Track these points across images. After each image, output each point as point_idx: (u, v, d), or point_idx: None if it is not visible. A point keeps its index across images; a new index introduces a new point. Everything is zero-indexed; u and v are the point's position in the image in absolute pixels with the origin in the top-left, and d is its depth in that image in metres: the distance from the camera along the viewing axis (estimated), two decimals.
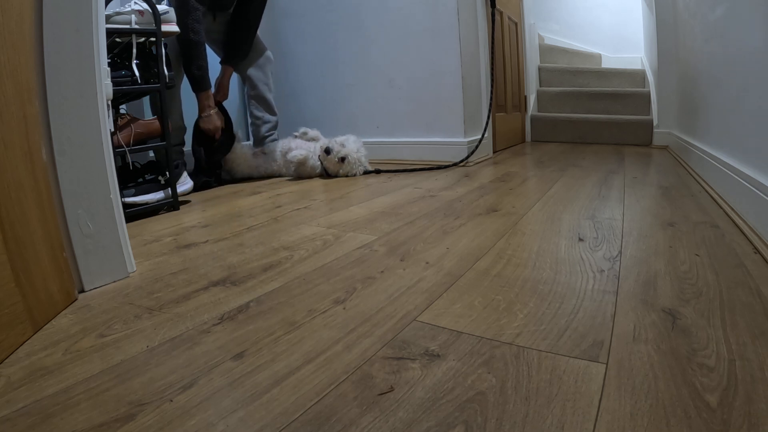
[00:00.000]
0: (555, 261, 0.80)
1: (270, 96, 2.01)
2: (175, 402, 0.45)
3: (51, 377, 0.50)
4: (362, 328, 0.58)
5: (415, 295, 0.68)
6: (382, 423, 0.41)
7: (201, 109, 1.73)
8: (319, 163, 1.84)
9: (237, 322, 0.61)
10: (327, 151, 1.78)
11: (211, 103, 1.73)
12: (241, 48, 1.89)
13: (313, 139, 1.90)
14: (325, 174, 1.86)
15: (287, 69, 2.50)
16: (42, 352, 0.56)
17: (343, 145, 1.80)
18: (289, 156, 1.79)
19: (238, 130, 1.95)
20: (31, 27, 0.66)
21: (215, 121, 1.74)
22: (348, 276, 0.77)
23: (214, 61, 2.09)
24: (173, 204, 1.34)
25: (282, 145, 1.88)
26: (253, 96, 2.00)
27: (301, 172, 1.84)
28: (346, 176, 1.84)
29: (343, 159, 1.80)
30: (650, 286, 0.67)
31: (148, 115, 1.83)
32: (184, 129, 1.77)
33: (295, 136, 1.93)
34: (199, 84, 1.67)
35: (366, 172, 1.87)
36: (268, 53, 2.00)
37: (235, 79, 2.43)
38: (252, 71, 1.96)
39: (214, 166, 1.81)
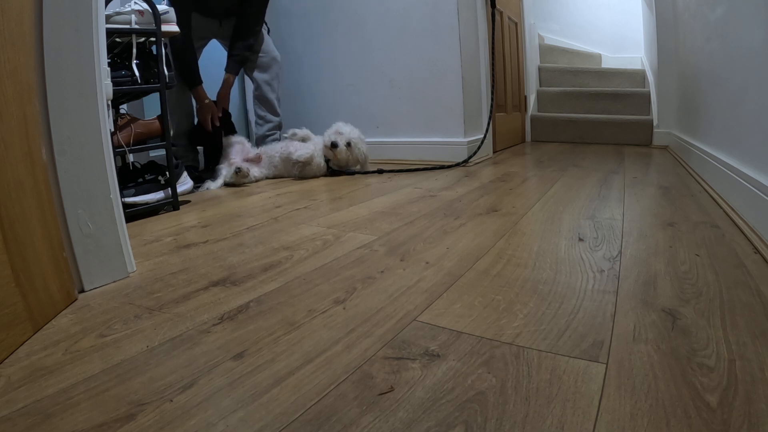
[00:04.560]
0: (555, 261, 0.80)
1: (273, 97, 2.02)
2: (175, 402, 0.45)
3: (51, 377, 0.50)
4: (362, 328, 0.58)
5: (415, 295, 0.68)
6: (382, 423, 0.41)
7: (196, 102, 1.83)
8: (324, 162, 1.84)
9: (237, 322, 0.61)
10: (333, 144, 1.79)
11: (203, 96, 1.81)
12: (240, 56, 1.92)
13: (304, 139, 1.89)
14: (329, 172, 1.86)
15: (287, 69, 2.49)
16: (42, 352, 0.56)
17: (340, 133, 1.82)
18: (295, 156, 1.79)
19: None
20: (31, 27, 0.66)
21: (205, 112, 1.83)
22: (348, 276, 0.77)
23: (214, 55, 2.10)
24: (173, 204, 1.34)
25: (280, 147, 1.88)
26: (257, 96, 2.02)
27: (306, 173, 1.83)
28: (357, 163, 1.86)
29: (349, 144, 1.81)
30: (650, 286, 0.67)
31: (149, 115, 1.84)
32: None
33: (285, 138, 1.93)
34: (190, 81, 1.78)
35: (366, 172, 1.88)
36: (276, 54, 2.01)
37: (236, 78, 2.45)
38: (257, 72, 1.98)
39: (210, 162, 1.90)
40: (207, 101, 1.82)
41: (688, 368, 0.47)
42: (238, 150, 1.84)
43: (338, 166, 1.85)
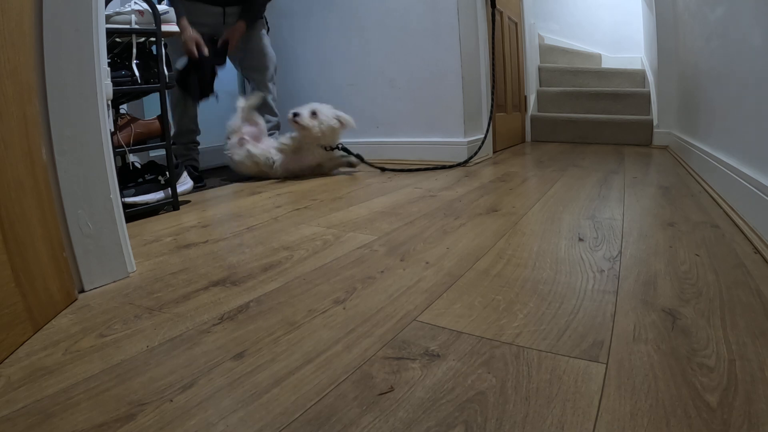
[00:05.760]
0: (555, 261, 0.80)
1: (270, 98, 2.02)
2: (175, 402, 0.45)
3: (51, 377, 0.50)
4: (362, 328, 0.58)
5: (415, 295, 0.68)
6: (382, 423, 0.41)
7: (182, 35, 1.70)
8: (272, 159, 1.79)
9: (237, 322, 0.61)
10: (295, 114, 1.72)
11: (185, 26, 1.69)
12: (254, 5, 1.89)
13: (255, 124, 1.83)
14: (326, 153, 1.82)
15: (287, 69, 2.50)
16: (42, 352, 0.56)
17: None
18: (296, 118, 1.71)
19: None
20: (31, 27, 0.66)
21: (189, 42, 1.71)
22: (348, 276, 0.77)
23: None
24: (173, 204, 1.34)
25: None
26: None
27: (305, 144, 1.78)
28: (331, 134, 1.78)
29: (314, 113, 1.73)
30: (650, 286, 0.67)
31: (149, 115, 1.84)
32: (197, 132, 1.87)
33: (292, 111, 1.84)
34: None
35: (365, 162, 1.88)
36: (272, 55, 2.01)
37: (235, 77, 2.44)
38: (255, 73, 1.98)
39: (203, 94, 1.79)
40: (189, 32, 1.69)
41: (688, 368, 0.47)
42: (254, 131, 1.82)
43: (326, 143, 1.79)
